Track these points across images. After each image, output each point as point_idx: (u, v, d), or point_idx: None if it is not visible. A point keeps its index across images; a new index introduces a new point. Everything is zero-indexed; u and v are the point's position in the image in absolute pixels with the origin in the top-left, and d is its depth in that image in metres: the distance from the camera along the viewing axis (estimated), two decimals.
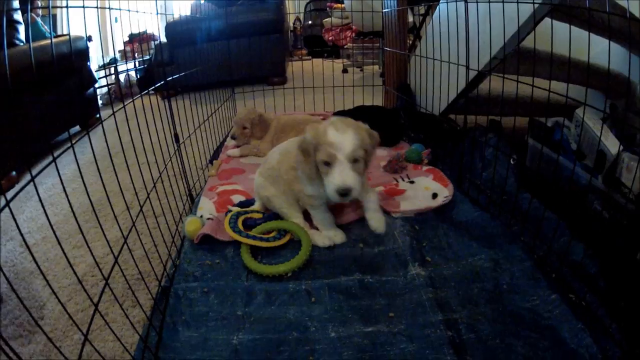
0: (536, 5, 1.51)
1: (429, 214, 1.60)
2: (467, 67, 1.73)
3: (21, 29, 2.93)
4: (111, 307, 1.40)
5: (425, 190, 1.65)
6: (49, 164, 0.90)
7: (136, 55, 4.78)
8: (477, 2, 1.66)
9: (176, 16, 4.57)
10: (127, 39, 5.33)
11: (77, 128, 3.43)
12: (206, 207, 1.74)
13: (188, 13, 4.94)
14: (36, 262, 0.77)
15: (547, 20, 1.46)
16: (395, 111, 2.52)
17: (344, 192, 1.27)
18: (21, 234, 0.61)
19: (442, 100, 2.08)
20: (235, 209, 1.63)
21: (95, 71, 4.05)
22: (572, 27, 1.18)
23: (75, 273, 0.92)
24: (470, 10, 1.74)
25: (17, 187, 2.27)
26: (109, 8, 1.38)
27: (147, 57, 4.68)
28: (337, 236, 1.50)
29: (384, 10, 2.86)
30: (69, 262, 0.89)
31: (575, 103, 1.61)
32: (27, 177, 2.37)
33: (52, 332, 1.34)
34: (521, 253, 1.32)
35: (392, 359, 1.05)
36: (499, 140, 1.77)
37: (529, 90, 1.38)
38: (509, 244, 1.37)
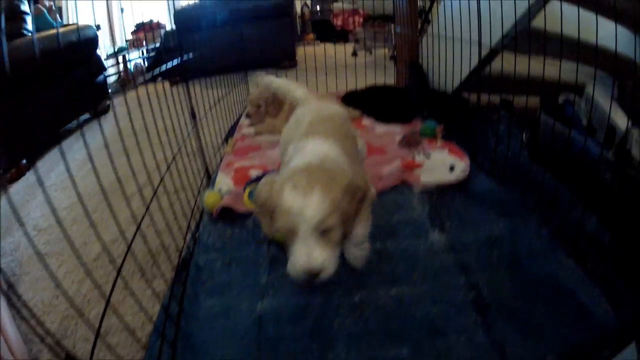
0: None
1: (444, 187, 1.58)
2: (480, 44, 1.70)
3: (29, 19, 2.91)
4: (130, 281, 1.40)
5: (442, 163, 1.63)
6: (58, 140, 0.87)
7: (144, 43, 4.74)
8: None
9: (184, 3, 4.53)
10: (135, 28, 5.31)
11: (87, 115, 3.41)
12: (224, 182, 1.73)
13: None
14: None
15: (557, 3, 1.42)
16: (407, 89, 2.50)
17: (311, 275, 0.92)
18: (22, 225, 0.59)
19: (455, 78, 2.06)
20: (254, 184, 1.61)
21: (105, 59, 4.03)
22: (580, 9, 1.19)
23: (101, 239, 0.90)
24: None
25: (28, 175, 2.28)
26: None
27: (155, 45, 4.65)
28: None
29: None
30: (95, 230, 0.87)
31: (585, 82, 1.59)
32: (38, 165, 2.39)
33: (66, 310, 1.34)
34: (537, 222, 1.30)
35: (418, 320, 1.05)
36: (511, 117, 1.74)
37: (540, 70, 1.37)
38: (525, 213, 1.35)
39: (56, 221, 0.77)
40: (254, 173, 1.76)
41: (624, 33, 1.40)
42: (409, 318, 1.05)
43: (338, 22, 6.35)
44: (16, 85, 2.16)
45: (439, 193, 1.54)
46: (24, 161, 2.40)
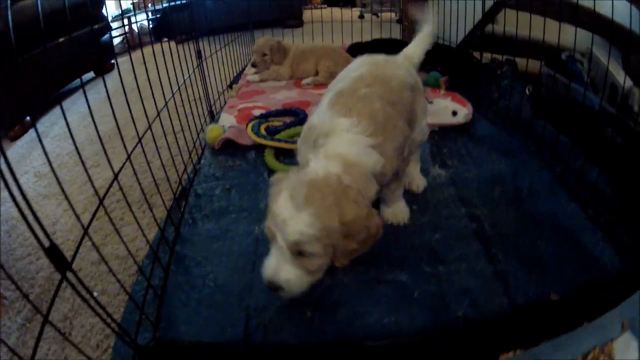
0: None
1: (448, 128, 1.53)
2: None
3: None
4: (128, 213, 1.35)
5: (445, 108, 1.57)
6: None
7: (149, 5, 4.59)
8: None
9: None
10: None
11: (92, 74, 3.31)
12: (227, 120, 1.68)
13: None
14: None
15: None
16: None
17: (273, 287, 0.81)
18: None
19: (460, 32, 1.98)
20: (256, 120, 1.55)
21: (111, 21, 3.91)
22: None
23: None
24: None
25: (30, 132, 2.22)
26: None
27: (160, 6, 4.49)
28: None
29: None
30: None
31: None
32: (40, 122, 2.32)
33: (63, 243, 1.30)
34: (539, 165, 1.26)
35: (418, 247, 1.00)
36: (514, 72, 1.69)
37: (541, 34, 1.35)
38: (526, 157, 1.31)
39: (49, 166, 0.72)
40: (257, 112, 1.69)
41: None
42: (409, 245, 1.01)
43: None
44: (21, 43, 2.06)
45: (442, 134, 1.49)
46: (28, 118, 2.31)
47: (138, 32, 4.29)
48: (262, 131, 1.44)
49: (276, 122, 1.55)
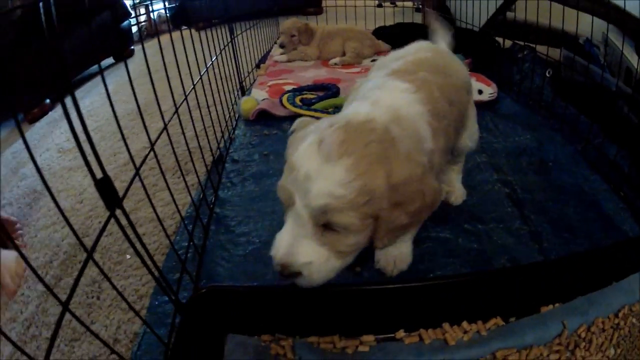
0: None
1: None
2: None
3: None
4: (161, 179, 1.32)
5: None
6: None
7: None
8: None
9: None
10: None
11: (111, 60, 3.29)
12: (259, 94, 1.68)
13: None
14: None
15: None
16: None
17: (282, 271, 0.58)
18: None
19: (482, 15, 1.98)
20: (290, 92, 1.55)
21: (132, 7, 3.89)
22: None
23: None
24: None
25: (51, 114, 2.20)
26: None
27: None
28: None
29: None
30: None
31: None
32: (59, 106, 2.28)
33: (92, 210, 1.27)
34: (562, 140, 1.28)
35: (457, 208, 1.02)
36: (534, 56, 1.70)
37: (559, 23, 1.36)
38: (550, 132, 1.33)
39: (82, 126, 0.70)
40: (288, 88, 1.70)
41: None
42: (447, 206, 1.02)
43: None
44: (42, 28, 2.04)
45: None
46: (47, 100, 2.30)
47: (155, 20, 4.28)
48: (298, 102, 1.44)
49: (310, 95, 1.56)
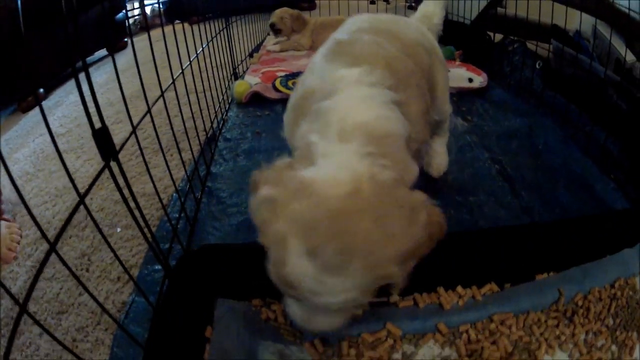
0: None
1: (465, 92, 1.52)
2: None
3: None
4: (154, 157, 1.29)
5: (460, 75, 1.57)
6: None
7: None
8: None
9: None
10: None
11: (104, 52, 3.20)
12: (252, 80, 1.64)
13: None
14: None
15: None
16: None
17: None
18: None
19: (474, 9, 1.96)
20: (283, 76, 1.53)
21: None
22: None
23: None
24: None
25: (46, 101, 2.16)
26: None
27: None
28: None
29: None
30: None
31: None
32: (54, 95, 2.24)
33: (83, 187, 1.22)
34: (553, 125, 1.26)
35: (448, 182, 1.00)
36: (525, 49, 1.68)
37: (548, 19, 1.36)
38: (540, 118, 1.31)
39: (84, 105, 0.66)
40: (281, 74, 1.67)
41: None
42: (439, 180, 1.00)
43: None
44: (35, 18, 1.99)
45: (459, 96, 1.48)
46: (41, 90, 2.24)
47: (149, 15, 4.22)
48: (290, 85, 1.41)
49: None
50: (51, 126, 1.51)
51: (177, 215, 0.91)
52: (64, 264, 0.40)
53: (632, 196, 0.96)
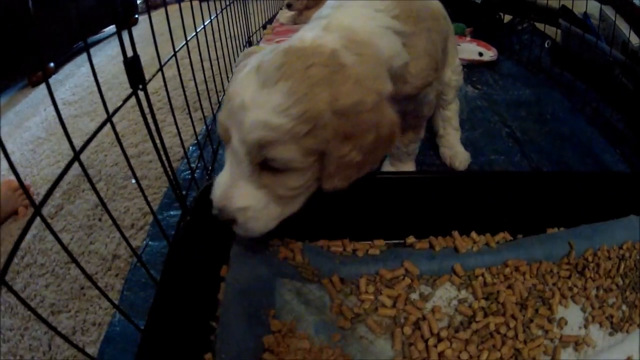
0: None
1: (475, 65, 1.50)
2: None
3: None
4: (169, 115, 1.25)
5: (471, 50, 1.56)
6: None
7: None
8: None
9: None
10: None
11: (114, 29, 3.15)
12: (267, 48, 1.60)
13: None
14: None
15: None
16: None
17: (223, 218, 0.51)
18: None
19: None
20: None
21: None
22: None
23: None
24: None
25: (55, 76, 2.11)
26: None
27: None
28: None
29: None
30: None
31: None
32: (63, 69, 2.20)
33: (97, 145, 1.21)
34: (561, 96, 1.25)
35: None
36: (534, 28, 1.67)
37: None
38: (548, 89, 1.31)
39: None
40: None
41: None
42: None
43: None
44: None
45: (469, 68, 1.46)
46: (52, 64, 2.20)
47: None
48: None
49: None
50: (63, 95, 1.51)
51: (195, 165, 0.91)
52: (50, 228, 0.36)
53: (637, 168, 0.96)
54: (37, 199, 1.02)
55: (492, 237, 0.66)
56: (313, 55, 0.46)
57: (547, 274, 0.61)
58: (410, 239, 0.65)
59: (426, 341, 0.52)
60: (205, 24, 1.04)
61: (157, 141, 0.62)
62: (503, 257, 0.62)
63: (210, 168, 0.94)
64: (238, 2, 1.60)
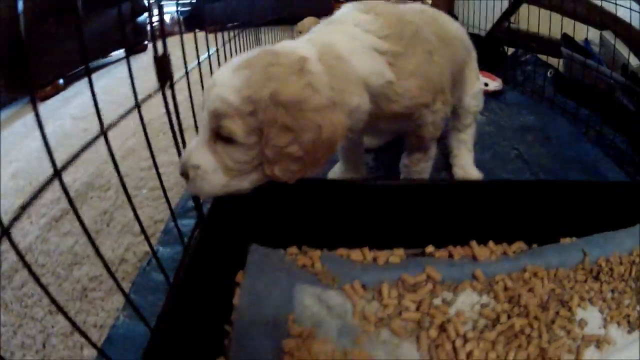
0: None
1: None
2: None
3: None
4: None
5: None
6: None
7: None
8: None
9: None
10: None
11: (122, 53, 3.16)
12: None
13: None
14: None
15: None
16: None
17: (181, 172, 0.58)
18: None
19: (488, 22, 1.99)
20: None
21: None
22: None
23: None
24: None
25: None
26: None
27: None
28: None
29: None
30: None
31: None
32: (72, 87, 2.22)
33: (107, 156, 1.21)
34: (566, 122, 1.27)
35: None
36: (537, 59, 1.71)
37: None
38: (553, 115, 1.33)
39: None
40: None
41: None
42: None
43: None
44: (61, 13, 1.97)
45: None
46: (61, 81, 2.23)
47: (169, 22, 4.23)
48: None
49: None
50: (71, 112, 1.51)
51: None
52: (17, 251, 0.33)
53: None
54: (39, 202, 1.01)
55: (509, 246, 0.66)
56: (281, 57, 0.54)
57: (564, 279, 0.62)
58: (430, 248, 0.65)
59: (453, 342, 0.51)
60: (210, 52, 0.99)
61: (179, 141, 0.61)
62: (521, 263, 0.63)
63: None
64: (249, 31, 1.61)
